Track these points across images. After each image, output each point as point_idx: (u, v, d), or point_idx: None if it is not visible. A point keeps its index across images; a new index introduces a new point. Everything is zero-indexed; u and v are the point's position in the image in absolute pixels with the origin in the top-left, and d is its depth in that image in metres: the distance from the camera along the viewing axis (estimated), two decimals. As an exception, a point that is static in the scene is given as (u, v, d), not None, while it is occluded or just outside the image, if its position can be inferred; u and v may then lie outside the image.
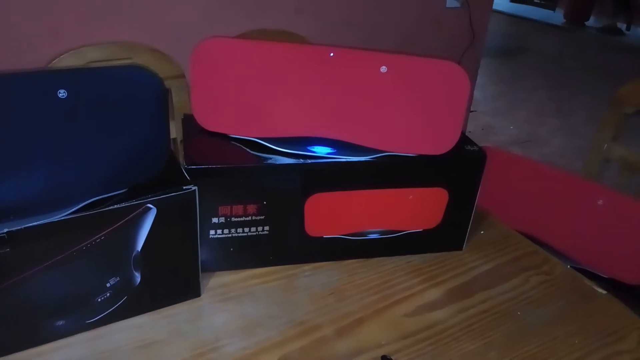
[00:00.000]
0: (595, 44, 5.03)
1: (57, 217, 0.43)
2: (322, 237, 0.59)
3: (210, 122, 0.58)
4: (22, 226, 0.42)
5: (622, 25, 5.34)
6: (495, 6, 2.02)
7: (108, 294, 0.49)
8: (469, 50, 1.94)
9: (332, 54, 0.54)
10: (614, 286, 0.65)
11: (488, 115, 3.10)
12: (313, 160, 0.55)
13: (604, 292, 0.60)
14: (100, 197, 0.46)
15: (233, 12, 1.46)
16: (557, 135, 2.92)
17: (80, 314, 0.48)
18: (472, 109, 2.16)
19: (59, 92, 0.43)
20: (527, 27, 5.57)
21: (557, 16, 5.81)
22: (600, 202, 0.79)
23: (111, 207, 0.45)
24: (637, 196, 0.86)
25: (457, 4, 1.81)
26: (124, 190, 0.47)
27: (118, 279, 0.48)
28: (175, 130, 0.78)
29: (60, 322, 0.47)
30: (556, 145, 2.78)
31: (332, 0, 1.60)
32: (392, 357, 0.49)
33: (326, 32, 1.62)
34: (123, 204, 0.46)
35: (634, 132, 1.14)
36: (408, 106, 0.56)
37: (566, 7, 5.73)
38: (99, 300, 0.48)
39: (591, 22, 5.63)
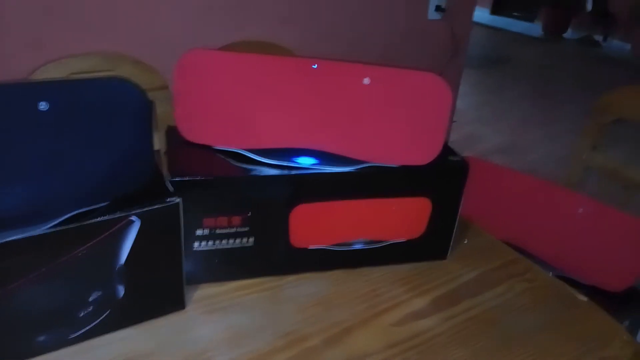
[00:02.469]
0: (574, 55, 5.14)
1: (38, 230, 0.42)
2: (307, 247, 0.59)
3: (194, 133, 0.58)
4: (3, 240, 0.41)
5: (599, 37, 5.47)
6: (476, 18, 2.06)
7: (91, 308, 0.48)
8: (452, 60, 1.96)
9: (315, 66, 0.55)
10: (595, 293, 0.66)
11: (472, 125, 3.13)
12: (297, 172, 0.55)
13: (585, 299, 0.61)
14: (83, 210, 0.45)
15: (218, 22, 1.46)
16: (540, 143, 2.96)
17: (62, 329, 0.47)
18: (454, 119, 2.18)
19: (40, 104, 0.43)
20: (507, 39, 5.67)
21: (535, 28, 5.93)
22: (580, 210, 0.80)
23: (94, 220, 0.45)
24: (617, 203, 0.88)
25: (439, 16, 1.84)
26: (107, 203, 0.47)
27: (101, 292, 0.48)
28: (159, 142, 0.77)
29: (42, 338, 0.47)
30: (540, 154, 2.83)
31: (318, 11, 1.61)
32: (378, 367, 0.49)
33: (312, 42, 1.63)
34: (106, 217, 0.45)
35: (613, 141, 1.17)
36: (391, 117, 0.56)
37: (545, 19, 5.85)
38: (82, 314, 0.48)
39: (569, 34, 5.75)
